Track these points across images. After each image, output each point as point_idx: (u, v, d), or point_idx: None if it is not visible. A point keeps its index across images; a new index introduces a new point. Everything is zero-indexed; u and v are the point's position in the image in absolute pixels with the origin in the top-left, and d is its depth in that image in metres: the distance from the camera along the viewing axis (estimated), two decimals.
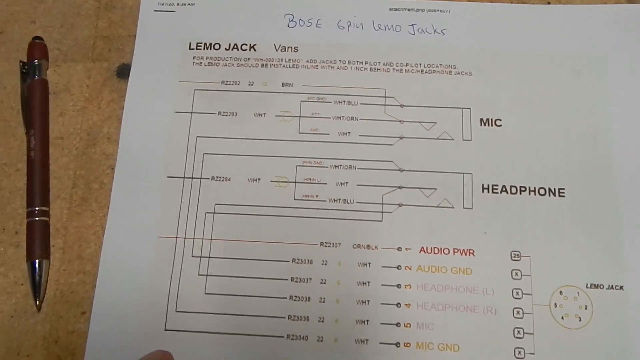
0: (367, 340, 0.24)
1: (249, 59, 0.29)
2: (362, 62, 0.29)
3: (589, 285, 0.25)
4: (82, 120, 0.29)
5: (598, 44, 0.28)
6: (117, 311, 0.25)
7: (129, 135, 0.28)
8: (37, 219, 0.26)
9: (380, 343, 0.24)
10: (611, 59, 0.28)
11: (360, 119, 0.28)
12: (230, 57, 0.29)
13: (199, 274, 0.26)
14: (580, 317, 0.24)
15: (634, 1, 0.29)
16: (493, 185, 0.26)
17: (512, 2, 0.29)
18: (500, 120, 0.27)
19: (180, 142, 0.28)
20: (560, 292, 0.25)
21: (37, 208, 0.27)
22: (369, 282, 0.25)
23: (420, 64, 0.28)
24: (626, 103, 0.27)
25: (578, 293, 0.25)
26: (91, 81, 0.30)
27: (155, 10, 0.30)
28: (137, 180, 0.27)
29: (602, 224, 0.25)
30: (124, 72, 0.30)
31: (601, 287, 0.25)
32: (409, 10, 0.29)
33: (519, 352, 0.24)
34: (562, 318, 0.24)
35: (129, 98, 0.29)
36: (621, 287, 0.25)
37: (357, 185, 0.27)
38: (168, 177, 0.27)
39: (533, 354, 0.24)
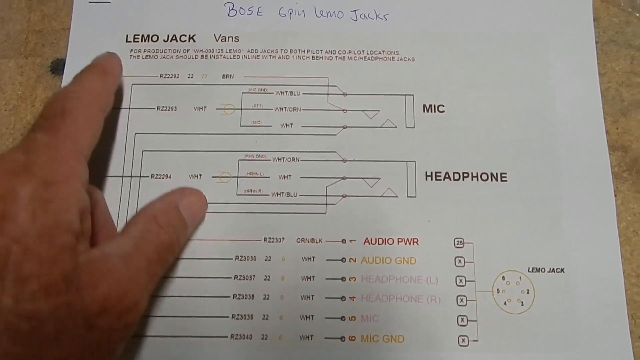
0: (312, 335, 0.24)
1: (188, 50, 0.28)
2: (304, 51, 0.28)
3: (530, 269, 0.25)
4: (15, 120, 0.28)
5: (539, 23, 0.28)
6: None
7: None
8: None
9: (325, 338, 0.24)
10: (551, 37, 0.28)
11: (303, 110, 0.27)
12: (169, 49, 0.28)
13: None
14: (522, 302, 0.24)
15: None
16: (436, 173, 0.26)
17: None
18: (443, 105, 0.27)
19: (119, 139, 0.27)
20: (503, 278, 0.25)
21: None
22: (313, 277, 0.25)
23: (363, 51, 0.28)
24: (567, 81, 0.27)
25: (520, 278, 0.25)
26: (24, 78, 0.28)
27: (90, 2, 0.29)
28: None
29: (544, 206, 0.26)
30: (58, 67, 0.28)
31: (542, 270, 0.25)
32: None
33: (463, 340, 0.24)
34: (505, 303, 0.24)
35: None
36: (562, 270, 0.25)
37: (301, 177, 0.26)
38: (107, 176, 0.26)
39: (477, 340, 0.24)
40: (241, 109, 0.27)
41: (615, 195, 0.26)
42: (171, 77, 0.28)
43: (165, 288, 0.25)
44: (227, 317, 0.24)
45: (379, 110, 0.27)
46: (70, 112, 0.21)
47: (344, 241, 0.25)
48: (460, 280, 0.25)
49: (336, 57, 0.28)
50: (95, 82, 0.23)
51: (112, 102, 0.24)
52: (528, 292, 0.25)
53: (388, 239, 0.25)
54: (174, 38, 0.28)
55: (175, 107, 0.27)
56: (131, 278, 0.20)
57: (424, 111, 0.27)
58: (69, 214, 0.18)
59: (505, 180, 0.26)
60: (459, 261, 0.25)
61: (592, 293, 0.24)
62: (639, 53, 0.28)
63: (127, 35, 0.28)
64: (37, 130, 0.20)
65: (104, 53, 0.26)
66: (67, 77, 0.28)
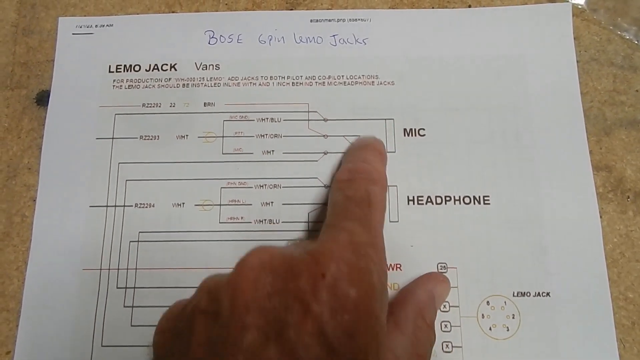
0: None
1: (169, 79, 0.28)
2: (284, 77, 0.28)
3: (515, 294, 0.24)
4: (1, 152, 0.28)
5: (517, 45, 0.28)
6: (41, 349, 0.25)
7: (50, 165, 0.27)
8: None
9: None
10: (530, 57, 0.28)
11: (284, 136, 0.27)
12: (151, 79, 0.28)
13: (124, 306, 0.25)
14: (507, 327, 0.24)
15: (553, 0, 0.28)
16: (418, 197, 0.26)
17: (433, 8, 0.29)
18: (424, 129, 0.27)
19: (102, 169, 0.27)
20: (487, 303, 0.24)
21: None
22: None
23: (342, 76, 0.28)
24: (548, 102, 0.27)
25: (505, 302, 0.24)
26: (10, 110, 0.29)
27: (73, 34, 0.29)
28: (59, 211, 0.27)
29: (528, 229, 0.25)
30: (43, 99, 0.29)
31: (528, 294, 0.24)
32: (329, 20, 0.29)
33: None
34: (490, 329, 0.24)
35: (48, 126, 0.28)
36: (548, 294, 0.24)
37: (283, 204, 0.26)
38: (90, 206, 0.27)
39: None
40: (223, 137, 0.27)
41: (601, 217, 0.25)
42: (153, 107, 0.28)
43: (150, 317, 0.25)
44: None
45: (359, 135, 0.27)
46: (375, 203, 0.22)
47: None
48: (445, 306, 0.24)
49: (316, 82, 0.28)
50: (380, 166, 0.24)
51: None
52: (513, 317, 0.24)
53: None
54: (155, 67, 0.29)
55: (158, 136, 0.27)
56: None
57: (404, 135, 0.27)
58: (384, 327, 0.18)
59: (488, 204, 0.26)
60: None
61: (580, 317, 0.24)
62: (621, 71, 0.27)
63: (110, 66, 0.29)
64: (352, 219, 0.21)
65: (370, 136, 0.27)
66: (52, 108, 0.28)
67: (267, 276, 0.17)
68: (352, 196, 0.22)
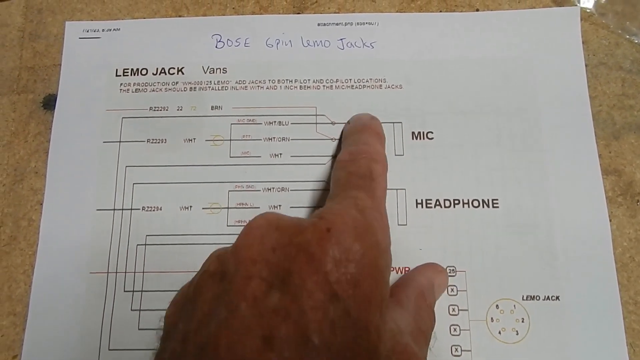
0: None
1: (177, 82, 0.28)
2: (291, 81, 0.28)
3: (525, 297, 0.24)
4: (8, 156, 0.28)
5: (525, 49, 0.28)
6: (48, 352, 0.25)
7: (57, 168, 0.27)
8: None
9: None
10: (539, 61, 0.28)
11: (292, 139, 0.27)
12: (158, 82, 0.28)
13: (131, 309, 0.25)
14: (517, 331, 0.24)
15: (561, 4, 0.28)
16: (427, 200, 0.26)
17: (440, 11, 0.29)
18: (432, 132, 0.27)
19: (109, 172, 0.27)
20: (497, 306, 0.24)
21: None
22: None
23: (350, 80, 0.28)
24: (556, 105, 0.27)
25: (514, 306, 0.24)
26: (17, 114, 0.29)
27: (80, 38, 0.29)
28: (66, 215, 0.27)
29: (537, 233, 0.25)
30: (50, 103, 0.29)
31: (537, 298, 0.24)
32: (337, 24, 0.29)
33: None
34: (499, 333, 0.24)
35: (55, 130, 0.28)
36: (557, 298, 0.24)
37: (291, 207, 0.26)
38: (97, 210, 0.27)
39: None
40: (230, 140, 0.27)
41: (610, 221, 0.25)
42: (160, 110, 0.28)
43: (157, 321, 0.25)
44: None
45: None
46: (377, 177, 0.22)
47: None
48: (453, 310, 0.24)
49: (324, 86, 0.28)
50: (380, 147, 0.25)
51: None
52: (523, 321, 0.24)
53: None
54: (162, 71, 0.29)
55: (165, 140, 0.27)
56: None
57: (412, 138, 0.27)
58: (387, 284, 0.18)
59: (497, 207, 0.26)
60: (452, 290, 0.25)
61: (589, 321, 0.24)
62: (629, 75, 0.27)
63: (116, 70, 0.29)
64: (355, 188, 0.21)
65: (365, 115, 0.27)
66: (59, 112, 0.28)
67: (273, 232, 0.17)
68: (355, 171, 0.22)
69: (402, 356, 0.17)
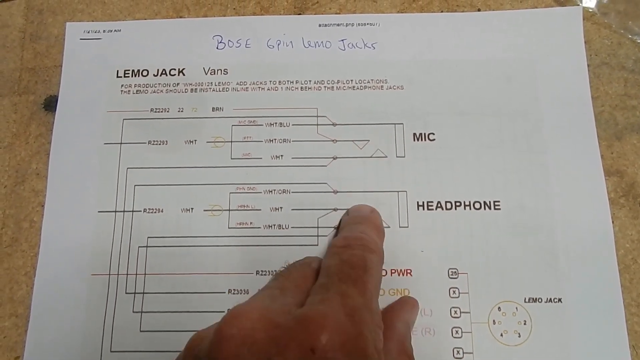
0: None
1: (178, 84, 0.28)
2: (292, 82, 0.28)
3: (527, 300, 0.24)
4: (9, 157, 0.28)
5: (527, 49, 0.28)
6: (50, 354, 0.25)
7: (58, 170, 0.27)
8: None
9: None
10: (541, 62, 0.27)
11: (293, 141, 0.27)
12: (159, 84, 0.28)
13: (133, 311, 0.25)
14: (519, 333, 0.24)
15: (563, 3, 0.28)
16: (428, 202, 0.26)
17: (441, 12, 0.29)
18: (434, 134, 0.27)
19: (110, 174, 0.27)
20: (499, 309, 0.24)
21: None
22: None
23: (351, 80, 0.28)
24: (558, 106, 0.27)
25: (516, 308, 0.24)
26: (18, 115, 0.29)
27: (81, 39, 0.29)
28: (67, 216, 0.27)
29: (539, 235, 0.25)
30: (51, 104, 0.29)
31: (539, 300, 0.24)
32: (338, 25, 0.29)
33: None
34: (502, 335, 0.24)
35: (56, 131, 0.28)
36: (559, 300, 0.24)
37: (292, 209, 0.26)
38: (99, 211, 0.27)
39: None
40: (231, 142, 0.27)
41: (613, 222, 0.25)
42: (161, 112, 0.28)
43: (159, 322, 0.25)
44: None
45: (368, 140, 0.27)
46: (370, 269, 0.20)
47: None
48: (455, 312, 0.24)
49: (325, 87, 0.28)
50: (380, 241, 0.24)
51: None
52: (525, 323, 0.24)
53: None
54: (163, 72, 0.29)
55: (166, 141, 0.27)
56: None
57: (414, 140, 0.27)
58: None
59: (499, 209, 0.25)
60: (454, 292, 0.25)
61: (592, 323, 0.24)
62: (632, 75, 0.27)
63: (117, 71, 0.29)
64: (346, 281, 0.19)
65: (365, 206, 0.26)
66: (60, 114, 0.28)
67: (247, 352, 0.16)
68: (348, 260, 0.21)
69: None
